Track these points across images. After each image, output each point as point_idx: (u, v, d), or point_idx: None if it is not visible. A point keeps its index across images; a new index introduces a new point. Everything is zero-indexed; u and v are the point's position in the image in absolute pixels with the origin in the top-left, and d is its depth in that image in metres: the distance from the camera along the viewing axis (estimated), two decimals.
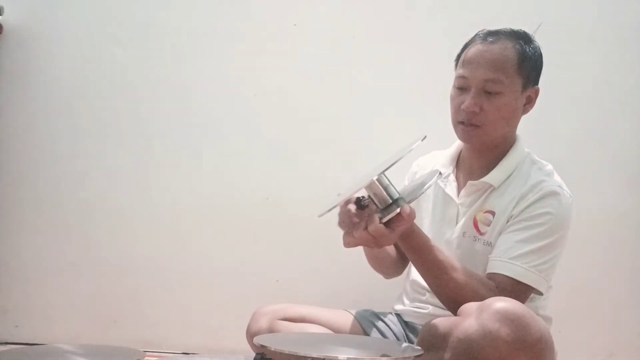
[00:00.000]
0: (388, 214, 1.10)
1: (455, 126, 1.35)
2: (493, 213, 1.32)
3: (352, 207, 1.17)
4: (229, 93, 1.85)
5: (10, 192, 1.86)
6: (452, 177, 1.42)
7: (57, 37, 1.85)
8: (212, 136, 1.85)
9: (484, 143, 1.34)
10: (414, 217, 1.13)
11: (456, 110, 1.34)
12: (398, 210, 1.09)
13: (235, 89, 1.84)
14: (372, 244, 1.13)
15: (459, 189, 1.40)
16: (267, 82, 1.84)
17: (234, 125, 1.85)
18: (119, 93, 1.85)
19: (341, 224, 1.20)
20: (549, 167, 1.37)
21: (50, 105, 1.86)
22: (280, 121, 1.84)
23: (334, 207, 1.12)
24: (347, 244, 1.17)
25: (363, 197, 1.15)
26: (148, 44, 1.85)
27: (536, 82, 1.35)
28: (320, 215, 1.12)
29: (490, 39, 1.31)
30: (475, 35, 1.36)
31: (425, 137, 1.15)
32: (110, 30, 1.85)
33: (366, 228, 1.11)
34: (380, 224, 1.10)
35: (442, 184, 1.42)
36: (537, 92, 1.35)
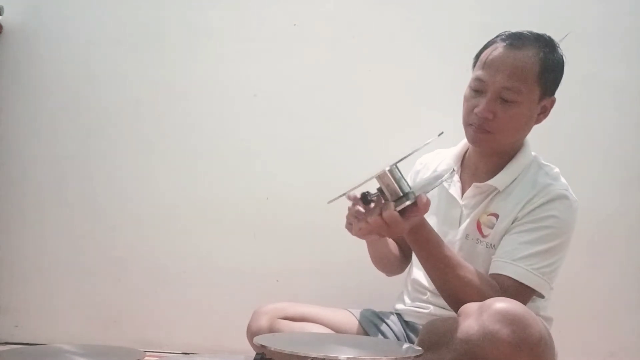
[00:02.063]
0: (402, 203, 1.09)
1: (465, 127, 1.33)
2: (497, 216, 1.32)
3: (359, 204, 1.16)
4: (229, 93, 1.84)
5: (10, 192, 1.86)
6: (457, 178, 1.41)
7: (57, 37, 1.85)
8: (212, 136, 1.85)
9: (492, 148, 1.33)
10: (428, 209, 1.12)
11: (468, 112, 1.31)
12: (414, 199, 1.08)
13: (235, 89, 1.84)
14: (384, 231, 1.12)
15: (463, 190, 1.39)
16: (267, 82, 1.84)
17: (235, 126, 1.85)
18: (120, 93, 1.85)
19: (350, 218, 1.20)
20: (556, 170, 1.36)
21: (50, 105, 1.86)
22: (280, 121, 1.84)
23: (344, 194, 1.11)
24: (359, 230, 1.15)
25: (368, 192, 1.14)
26: (148, 44, 1.85)
27: (554, 92, 1.32)
28: (330, 202, 1.11)
29: (515, 44, 1.27)
30: (497, 36, 1.32)
31: (442, 132, 1.14)
32: (110, 30, 1.85)
33: (380, 214, 1.10)
34: (395, 211, 1.09)
35: (446, 184, 1.41)
36: (552, 103, 1.33)
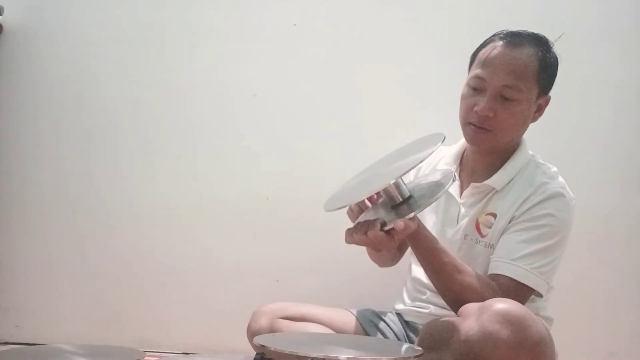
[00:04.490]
0: (391, 220, 1.09)
1: (464, 126, 1.33)
2: (494, 215, 1.32)
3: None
4: (229, 93, 1.84)
5: (10, 192, 1.86)
6: (455, 175, 1.41)
7: (57, 37, 1.85)
8: (212, 136, 1.85)
9: (491, 147, 1.33)
10: (412, 230, 1.10)
11: (467, 110, 1.31)
12: (392, 225, 1.08)
13: (235, 89, 1.84)
14: (372, 247, 1.13)
15: (462, 189, 1.40)
16: (267, 82, 1.84)
17: (235, 125, 1.85)
18: (120, 93, 1.85)
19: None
20: (554, 169, 1.36)
21: (50, 105, 1.86)
22: (280, 121, 1.84)
23: (343, 206, 1.13)
24: (348, 242, 1.17)
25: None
26: (148, 44, 1.85)
27: (549, 90, 1.33)
28: (328, 210, 1.13)
29: (514, 42, 1.28)
30: (495, 35, 1.33)
31: (445, 138, 1.14)
32: (110, 30, 1.85)
33: (366, 233, 1.10)
34: (379, 232, 1.09)
35: None
36: (547, 101, 1.34)
